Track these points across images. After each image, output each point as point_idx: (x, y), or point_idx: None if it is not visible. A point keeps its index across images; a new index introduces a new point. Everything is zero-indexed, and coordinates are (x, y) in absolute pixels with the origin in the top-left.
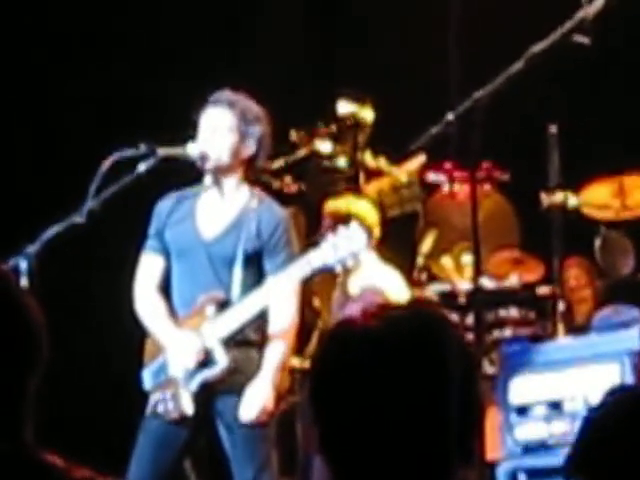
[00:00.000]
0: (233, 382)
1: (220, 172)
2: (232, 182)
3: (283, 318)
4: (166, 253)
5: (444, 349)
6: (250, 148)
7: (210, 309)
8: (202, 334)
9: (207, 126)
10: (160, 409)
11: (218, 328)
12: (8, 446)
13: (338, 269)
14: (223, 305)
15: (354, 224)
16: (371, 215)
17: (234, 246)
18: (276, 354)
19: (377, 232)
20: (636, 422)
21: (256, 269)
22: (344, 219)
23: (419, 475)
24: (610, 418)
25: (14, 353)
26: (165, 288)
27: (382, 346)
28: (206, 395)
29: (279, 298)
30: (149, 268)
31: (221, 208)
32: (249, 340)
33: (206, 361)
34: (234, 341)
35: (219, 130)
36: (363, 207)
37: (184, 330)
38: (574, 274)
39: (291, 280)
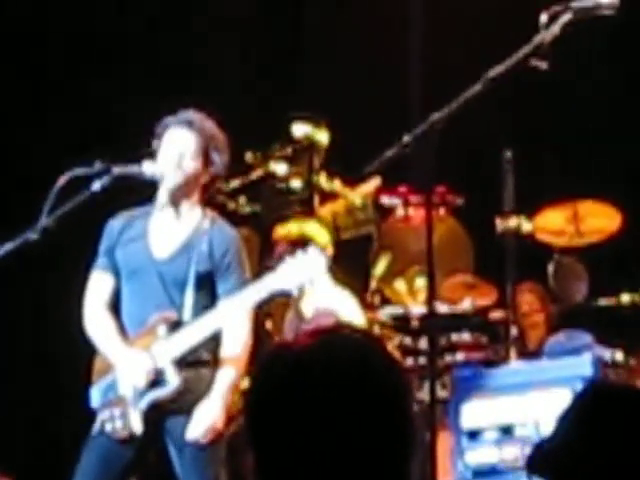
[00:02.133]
0: (183, 402)
1: (177, 194)
2: (187, 204)
3: (236, 340)
4: (116, 272)
5: (376, 374)
6: (210, 174)
7: (162, 329)
8: (153, 354)
9: (171, 147)
10: (108, 428)
11: (170, 348)
12: None
13: (295, 293)
14: (175, 325)
15: (312, 248)
16: (322, 237)
17: (186, 267)
18: (228, 375)
19: (329, 254)
20: (595, 420)
21: (208, 290)
22: (296, 242)
23: None
24: (571, 416)
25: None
26: (114, 307)
27: (313, 371)
28: (156, 414)
29: (233, 320)
30: (99, 286)
31: (174, 228)
32: (201, 360)
33: (157, 381)
34: (186, 361)
35: (183, 153)
36: (314, 229)
37: (135, 349)
38: (527, 299)
39: (246, 303)
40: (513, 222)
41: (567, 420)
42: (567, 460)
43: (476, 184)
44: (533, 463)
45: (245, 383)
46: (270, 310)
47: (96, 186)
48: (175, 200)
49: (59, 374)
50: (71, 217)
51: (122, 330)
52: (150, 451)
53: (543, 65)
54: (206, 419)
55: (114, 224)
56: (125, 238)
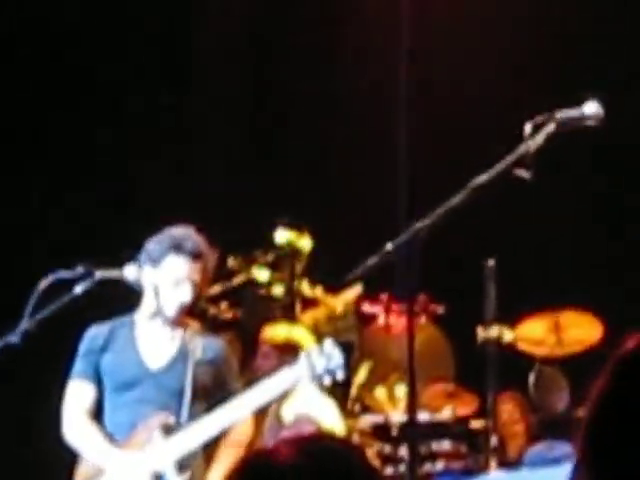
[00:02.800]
0: None
1: (175, 319)
2: (175, 317)
3: (242, 431)
4: (97, 380)
5: None
6: (199, 293)
7: (157, 432)
8: (150, 456)
9: (173, 277)
10: None
11: (169, 450)
12: None
13: (313, 384)
14: (170, 429)
15: (329, 341)
16: (308, 342)
17: (182, 375)
18: (229, 457)
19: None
20: None
21: (205, 396)
22: (282, 346)
23: None
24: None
25: None
26: (96, 416)
27: None
28: None
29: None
30: (79, 394)
31: (164, 336)
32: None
33: None
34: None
35: (189, 285)
36: (301, 334)
37: (128, 451)
38: (507, 408)
39: (251, 405)
40: (494, 331)
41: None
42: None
43: (457, 293)
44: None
45: None
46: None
47: (78, 289)
48: (172, 322)
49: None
50: (52, 321)
51: (108, 437)
52: None
53: (526, 175)
54: None
55: (97, 332)
56: (112, 349)
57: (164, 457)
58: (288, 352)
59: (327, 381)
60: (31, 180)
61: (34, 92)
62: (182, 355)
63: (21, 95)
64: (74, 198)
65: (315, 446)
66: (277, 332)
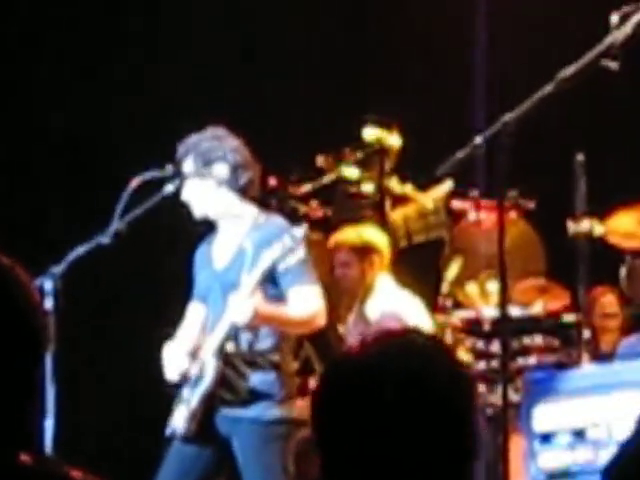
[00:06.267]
0: (237, 392)
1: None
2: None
3: (299, 308)
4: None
5: (441, 380)
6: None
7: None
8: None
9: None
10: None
11: (210, 342)
12: (29, 459)
13: (281, 267)
14: None
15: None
16: (381, 241)
17: (238, 272)
18: (280, 307)
19: (387, 257)
20: None
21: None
22: (356, 248)
23: None
24: None
25: (19, 348)
26: None
27: (375, 377)
28: (209, 409)
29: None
30: (188, 316)
31: (231, 235)
32: (271, 361)
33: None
34: (255, 363)
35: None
36: (373, 234)
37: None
38: (605, 302)
39: (248, 286)
40: (585, 225)
41: None
42: None
43: (548, 187)
44: (611, 474)
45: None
46: (342, 314)
47: (168, 189)
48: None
49: (135, 375)
50: (142, 220)
51: None
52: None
53: (614, 66)
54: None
55: (196, 252)
56: (200, 264)
57: (208, 348)
58: (365, 254)
59: (291, 260)
60: None
61: None
62: (241, 250)
63: None
64: None
65: (400, 341)
66: (348, 235)
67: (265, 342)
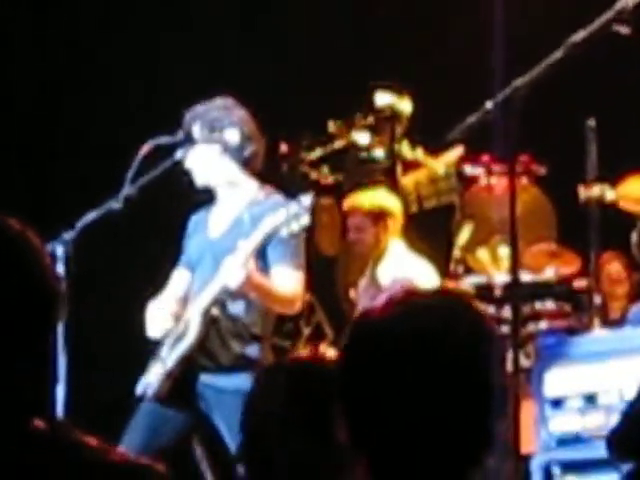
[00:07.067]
0: (218, 358)
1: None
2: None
3: (282, 286)
4: (191, 267)
5: (466, 338)
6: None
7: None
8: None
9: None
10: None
11: (199, 302)
12: (42, 424)
13: (284, 232)
14: None
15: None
16: (394, 206)
17: (233, 243)
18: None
19: (400, 222)
20: None
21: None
22: (369, 212)
23: (448, 463)
24: None
25: (33, 314)
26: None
27: (402, 338)
28: (186, 370)
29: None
30: (172, 282)
31: (229, 204)
32: (253, 334)
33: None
34: (238, 334)
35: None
36: (385, 198)
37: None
38: (613, 267)
39: (245, 251)
40: (596, 191)
41: None
42: None
43: (559, 152)
44: (615, 443)
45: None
46: (353, 279)
47: (178, 155)
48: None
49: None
50: (153, 186)
51: None
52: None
53: (625, 30)
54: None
55: (191, 219)
56: (193, 231)
57: (196, 307)
58: (380, 219)
59: (294, 226)
60: None
61: None
62: (238, 221)
63: None
64: None
65: (417, 300)
66: (361, 199)
67: (249, 315)
